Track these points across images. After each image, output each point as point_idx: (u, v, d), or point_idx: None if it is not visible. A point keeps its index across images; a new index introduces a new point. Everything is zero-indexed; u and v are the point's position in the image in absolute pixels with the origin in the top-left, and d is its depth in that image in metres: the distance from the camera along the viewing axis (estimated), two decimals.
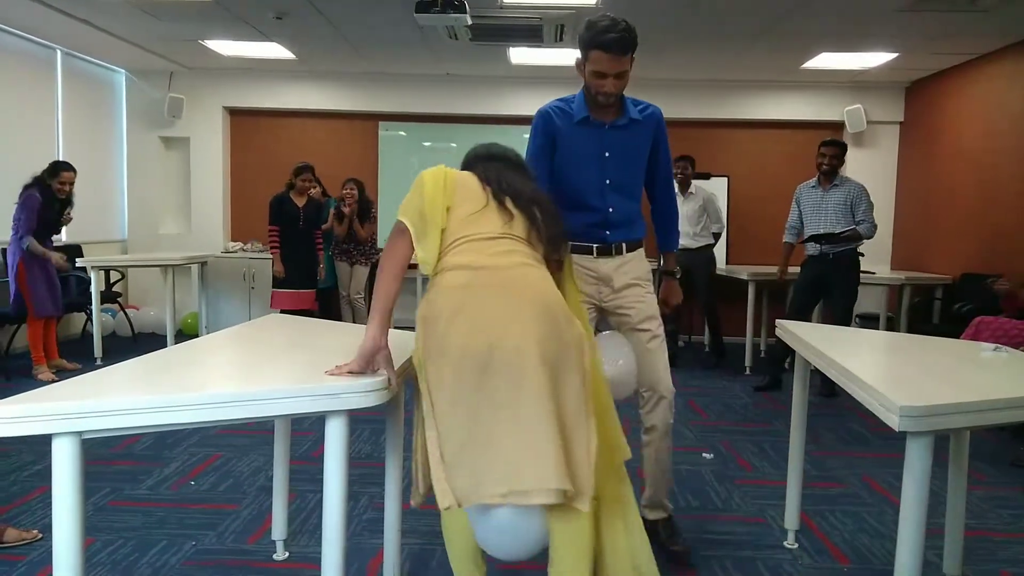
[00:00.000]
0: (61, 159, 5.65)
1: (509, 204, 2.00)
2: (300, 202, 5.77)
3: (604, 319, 2.75)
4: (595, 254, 2.64)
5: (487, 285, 1.84)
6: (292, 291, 5.69)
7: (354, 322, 6.52)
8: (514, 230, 1.97)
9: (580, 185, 2.62)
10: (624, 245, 2.67)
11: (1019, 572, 2.71)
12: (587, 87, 2.54)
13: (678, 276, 2.99)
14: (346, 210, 6.18)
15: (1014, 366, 2.17)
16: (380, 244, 6.47)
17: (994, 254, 5.68)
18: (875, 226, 5.08)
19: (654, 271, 3.19)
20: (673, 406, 2.68)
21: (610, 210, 2.63)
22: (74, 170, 5.43)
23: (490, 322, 1.77)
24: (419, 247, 1.92)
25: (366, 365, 1.75)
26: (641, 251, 2.75)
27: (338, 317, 6.38)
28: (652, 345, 2.63)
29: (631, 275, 2.67)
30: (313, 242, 5.88)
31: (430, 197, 1.95)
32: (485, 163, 2.15)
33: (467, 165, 2.20)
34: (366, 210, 6.37)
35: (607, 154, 2.61)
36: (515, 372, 1.74)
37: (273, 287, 5.83)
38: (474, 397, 1.75)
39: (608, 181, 2.62)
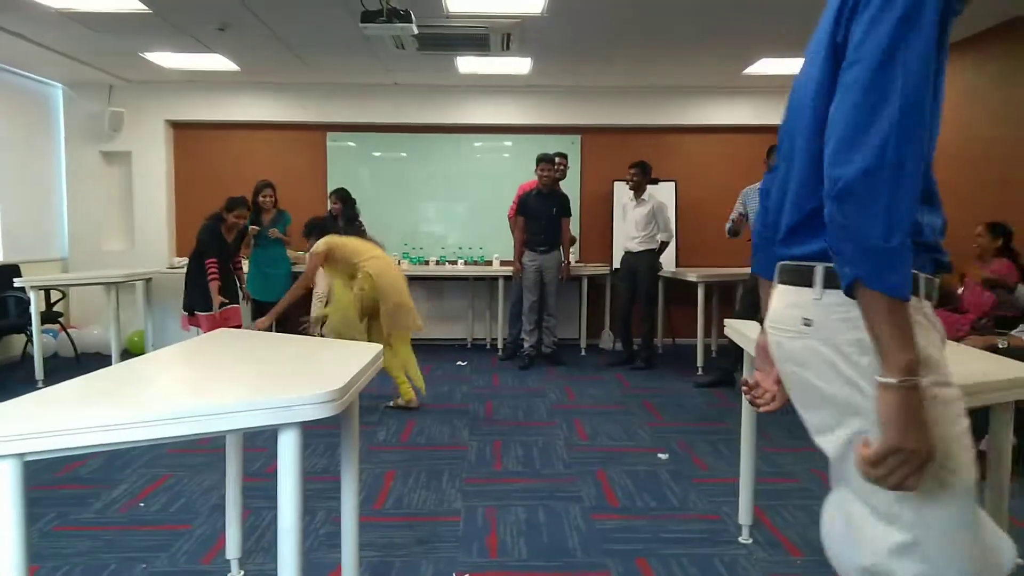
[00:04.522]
0: None
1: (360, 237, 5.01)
2: (229, 237, 5.61)
3: None
4: (934, 296, 1.27)
5: (385, 259, 4.96)
6: (209, 313, 5.54)
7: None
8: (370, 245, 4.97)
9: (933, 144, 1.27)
10: None
11: None
12: None
13: None
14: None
15: (952, 358, 2.25)
16: None
17: None
18: None
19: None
20: None
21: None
22: None
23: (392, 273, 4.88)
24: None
25: None
26: None
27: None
28: None
29: None
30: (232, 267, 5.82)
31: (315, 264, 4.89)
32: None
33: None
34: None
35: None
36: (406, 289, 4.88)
37: (197, 311, 5.60)
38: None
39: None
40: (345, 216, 6.53)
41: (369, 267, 4.76)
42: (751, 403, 1.62)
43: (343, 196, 6.55)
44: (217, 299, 5.49)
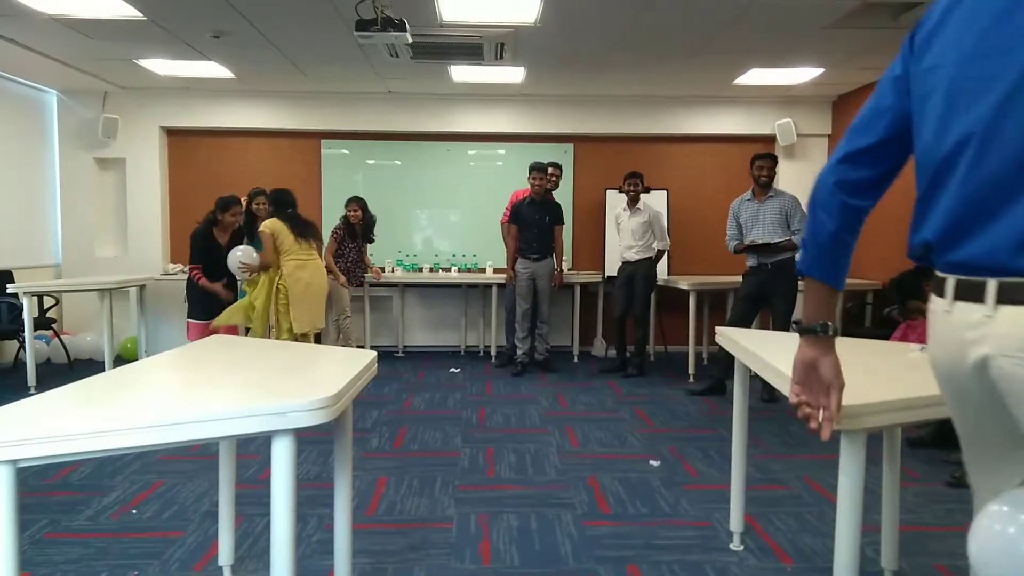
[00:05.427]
0: None
1: (300, 238, 5.04)
2: (223, 238, 5.40)
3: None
4: None
5: (306, 267, 5.03)
6: (199, 322, 5.32)
7: (337, 343, 6.24)
8: (304, 248, 5.07)
9: None
10: None
11: (952, 564, 2.83)
12: None
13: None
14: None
15: None
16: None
17: None
18: None
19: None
20: None
21: None
22: None
23: (309, 279, 5.03)
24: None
25: None
26: None
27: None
28: None
29: None
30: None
31: (270, 245, 4.96)
32: (287, 212, 5.11)
33: (277, 210, 5.14)
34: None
35: None
36: (320, 295, 5.16)
37: (189, 318, 5.42)
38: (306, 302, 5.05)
39: None
40: (365, 224, 6.62)
41: (287, 267, 4.96)
42: (806, 419, 1.49)
43: (363, 205, 6.64)
44: (216, 287, 5.28)
